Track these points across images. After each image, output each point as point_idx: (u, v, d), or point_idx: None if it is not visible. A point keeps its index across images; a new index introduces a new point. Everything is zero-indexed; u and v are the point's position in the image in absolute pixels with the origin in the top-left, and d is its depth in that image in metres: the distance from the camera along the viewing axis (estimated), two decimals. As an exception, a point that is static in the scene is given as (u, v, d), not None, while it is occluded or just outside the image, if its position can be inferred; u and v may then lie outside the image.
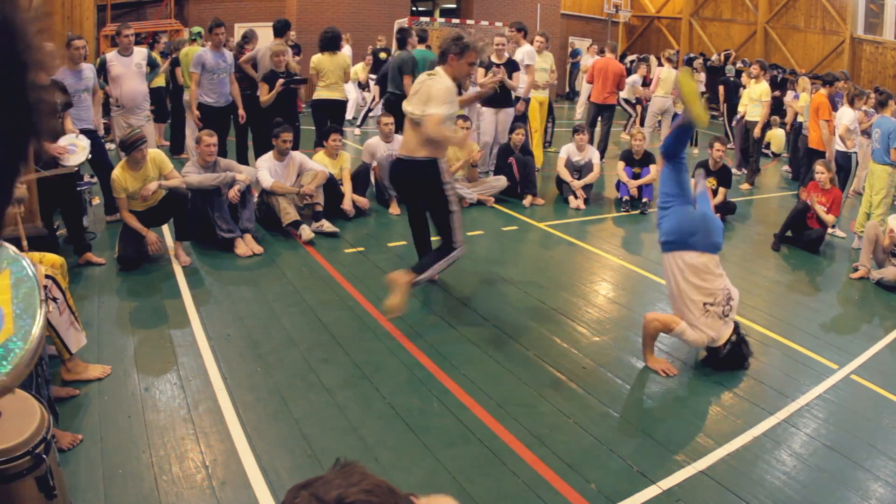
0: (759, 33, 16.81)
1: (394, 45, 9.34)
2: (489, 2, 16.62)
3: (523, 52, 7.69)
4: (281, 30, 7.15)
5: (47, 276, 3.02)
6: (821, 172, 6.12)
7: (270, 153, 5.75)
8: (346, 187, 6.12)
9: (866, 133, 7.47)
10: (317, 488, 0.80)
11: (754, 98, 8.91)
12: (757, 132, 8.88)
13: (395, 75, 7.56)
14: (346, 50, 7.59)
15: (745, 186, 8.66)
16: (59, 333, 3.04)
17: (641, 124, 10.49)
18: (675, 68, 9.42)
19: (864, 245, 5.47)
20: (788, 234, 6.23)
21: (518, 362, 3.63)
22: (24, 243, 3.40)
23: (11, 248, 1.89)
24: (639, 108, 11.94)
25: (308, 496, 0.79)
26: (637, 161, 7.29)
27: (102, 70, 6.03)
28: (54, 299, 3.00)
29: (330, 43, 6.90)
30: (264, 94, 6.56)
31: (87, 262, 4.68)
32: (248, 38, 7.49)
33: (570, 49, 18.40)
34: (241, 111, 6.68)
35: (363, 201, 6.21)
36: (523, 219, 6.51)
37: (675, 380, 3.57)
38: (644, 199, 7.04)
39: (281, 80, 6.52)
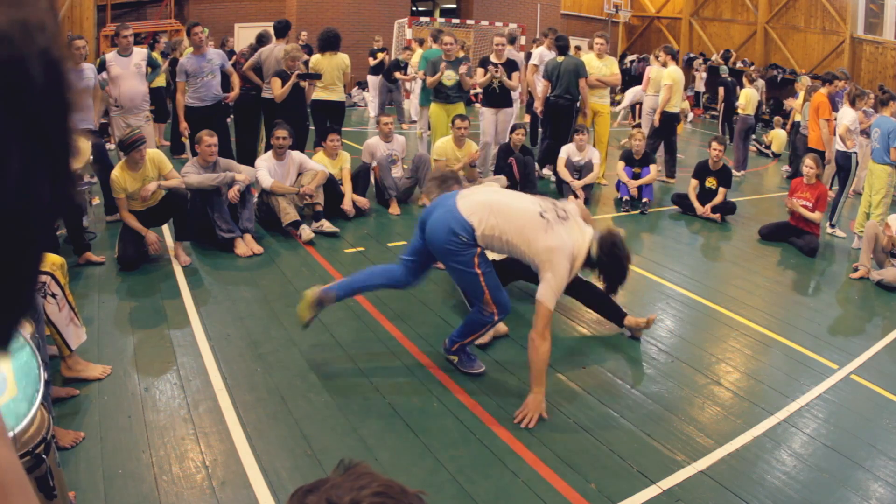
0: (759, 33, 16.81)
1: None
2: (489, 2, 16.63)
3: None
4: (282, 31, 7.14)
5: (45, 273, 3.01)
6: (809, 167, 6.10)
7: (269, 153, 5.76)
8: (346, 187, 6.12)
9: (866, 133, 7.47)
10: (327, 492, 0.79)
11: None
12: (656, 121, 8.42)
13: (571, 80, 7.33)
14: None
15: (672, 181, 8.41)
16: (58, 330, 3.03)
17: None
18: (665, 66, 9.35)
19: (863, 245, 5.47)
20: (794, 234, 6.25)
21: (518, 362, 3.63)
22: None
23: None
24: (637, 108, 11.94)
25: (320, 501, 0.78)
26: (637, 161, 7.29)
27: (102, 70, 6.03)
28: (53, 295, 3.00)
29: (328, 43, 6.90)
30: (277, 89, 6.55)
31: (86, 262, 4.68)
32: (265, 40, 7.40)
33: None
34: (233, 93, 6.64)
35: (363, 201, 6.21)
36: (523, 219, 6.50)
37: (675, 379, 3.57)
38: (644, 199, 7.04)
39: (296, 73, 6.51)
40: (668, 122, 8.37)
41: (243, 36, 12.89)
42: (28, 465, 1.82)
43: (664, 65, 8.78)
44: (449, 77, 6.99)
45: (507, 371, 3.53)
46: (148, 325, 3.88)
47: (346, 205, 6.01)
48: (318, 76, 6.79)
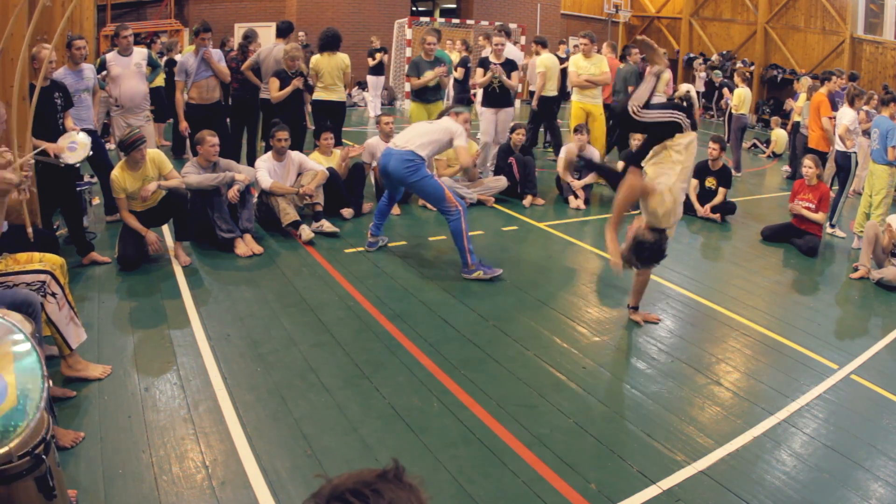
0: (759, 33, 16.80)
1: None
2: (489, 2, 16.63)
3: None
4: (285, 31, 7.14)
5: (46, 272, 3.02)
6: (808, 167, 6.10)
7: (269, 153, 5.76)
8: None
9: (867, 133, 7.48)
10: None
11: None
12: (534, 104, 8.41)
13: (622, 87, 8.01)
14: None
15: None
16: (59, 329, 3.03)
17: None
18: (537, 55, 9.28)
19: (863, 245, 5.47)
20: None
21: (518, 362, 3.63)
22: (30, 230, 3.37)
23: (11, 317, 2.00)
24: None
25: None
26: (637, 161, 7.28)
27: (102, 69, 6.04)
28: (53, 294, 3.00)
29: (328, 43, 6.89)
30: (275, 91, 6.54)
31: (91, 262, 4.69)
32: (251, 37, 7.45)
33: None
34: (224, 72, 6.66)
35: (366, 207, 6.34)
36: (523, 219, 6.51)
37: (675, 379, 3.57)
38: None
39: (298, 80, 6.51)
40: (546, 106, 8.39)
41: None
42: (28, 465, 1.82)
43: (536, 53, 8.78)
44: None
45: (507, 370, 3.53)
46: (148, 325, 3.88)
47: (346, 213, 6.13)
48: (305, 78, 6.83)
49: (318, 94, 6.98)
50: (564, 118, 13.74)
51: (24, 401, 1.81)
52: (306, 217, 5.68)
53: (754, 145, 12.05)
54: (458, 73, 8.18)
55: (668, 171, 3.70)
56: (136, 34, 6.78)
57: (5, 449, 1.73)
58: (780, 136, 11.63)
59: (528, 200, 6.96)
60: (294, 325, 3.95)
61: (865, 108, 7.87)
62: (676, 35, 18.97)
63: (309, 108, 7.20)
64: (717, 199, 6.84)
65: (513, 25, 13.66)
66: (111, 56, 5.95)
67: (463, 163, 5.39)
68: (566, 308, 4.45)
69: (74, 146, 4.53)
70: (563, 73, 11.79)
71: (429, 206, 6.61)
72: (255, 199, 5.51)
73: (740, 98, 9.71)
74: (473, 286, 4.71)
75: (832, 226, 6.75)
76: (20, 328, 1.95)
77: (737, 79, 10.24)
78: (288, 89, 6.49)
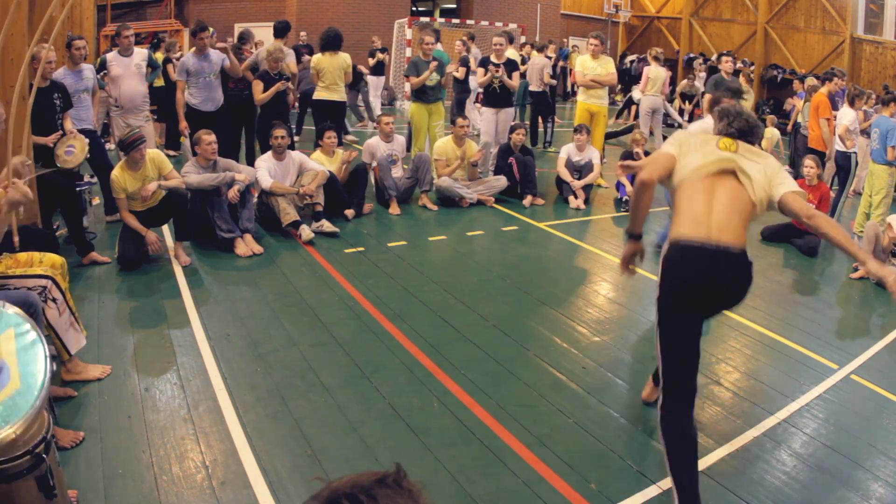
0: (759, 33, 16.81)
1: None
2: (489, 2, 16.63)
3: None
4: (282, 31, 7.14)
5: (47, 277, 3.02)
6: (809, 167, 6.10)
7: (269, 153, 5.76)
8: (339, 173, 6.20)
9: (866, 133, 7.48)
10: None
11: None
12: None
13: (711, 90, 8.14)
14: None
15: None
16: (58, 334, 3.03)
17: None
18: (663, 66, 9.37)
19: (863, 245, 5.46)
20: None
21: (518, 362, 3.63)
22: (16, 239, 3.38)
23: (13, 309, 1.99)
24: (633, 107, 12.00)
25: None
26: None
27: (102, 69, 6.03)
28: (53, 300, 3.00)
29: (330, 43, 6.89)
30: (258, 93, 6.54)
31: (91, 262, 4.69)
32: (245, 38, 7.45)
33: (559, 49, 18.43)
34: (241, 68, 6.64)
35: (367, 207, 6.31)
36: (523, 219, 6.51)
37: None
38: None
39: (281, 83, 6.51)
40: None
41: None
42: (28, 464, 1.82)
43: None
44: (431, 77, 7.01)
45: (507, 370, 3.53)
46: (148, 325, 3.88)
47: (349, 212, 6.09)
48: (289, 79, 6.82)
49: (320, 94, 6.99)
50: (565, 118, 13.78)
51: (28, 383, 1.80)
52: (306, 217, 5.68)
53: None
54: (459, 73, 8.19)
55: None
56: (136, 34, 6.76)
57: (10, 432, 1.71)
58: (773, 133, 11.63)
59: (528, 200, 6.96)
60: (294, 325, 3.96)
61: (864, 107, 7.88)
62: (676, 35, 18.98)
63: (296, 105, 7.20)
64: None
65: (512, 25, 13.68)
66: (112, 56, 5.95)
67: None
68: (566, 308, 4.45)
69: (72, 150, 4.53)
70: (554, 70, 11.89)
71: (429, 205, 6.63)
72: (255, 199, 5.51)
73: None
74: (473, 286, 4.71)
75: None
76: (24, 318, 1.95)
77: (741, 79, 10.25)
78: (271, 91, 6.48)
